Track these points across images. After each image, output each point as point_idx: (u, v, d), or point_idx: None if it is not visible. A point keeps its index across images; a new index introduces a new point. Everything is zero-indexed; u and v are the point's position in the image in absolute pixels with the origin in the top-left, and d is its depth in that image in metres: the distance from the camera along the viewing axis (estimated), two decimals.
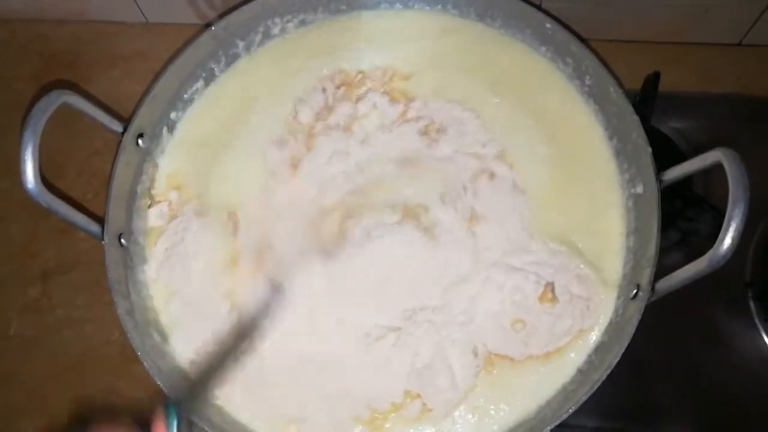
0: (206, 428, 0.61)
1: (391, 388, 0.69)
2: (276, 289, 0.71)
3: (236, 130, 0.80)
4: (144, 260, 0.75)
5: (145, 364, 0.65)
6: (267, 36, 0.84)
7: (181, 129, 0.81)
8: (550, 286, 0.71)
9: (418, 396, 0.69)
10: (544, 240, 0.73)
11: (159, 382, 0.65)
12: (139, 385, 0.80)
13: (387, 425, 0.68)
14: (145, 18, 1.00)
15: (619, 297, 0.70)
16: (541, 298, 0.70)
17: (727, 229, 0.56)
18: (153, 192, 0.78)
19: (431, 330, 0.70)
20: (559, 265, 0.71)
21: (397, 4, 0.85)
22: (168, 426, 0.50)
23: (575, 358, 0.69)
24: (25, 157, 0.62)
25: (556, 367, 0.69)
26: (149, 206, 0.77)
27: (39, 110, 0.64)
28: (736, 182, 0.58)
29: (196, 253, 0.75)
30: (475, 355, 0.69)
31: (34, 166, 0.63)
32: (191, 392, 0.58)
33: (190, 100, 0.82)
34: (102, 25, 1.01)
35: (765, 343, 0.77)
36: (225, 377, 0.62)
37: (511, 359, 0.69)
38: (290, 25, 0.84)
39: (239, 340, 0.66)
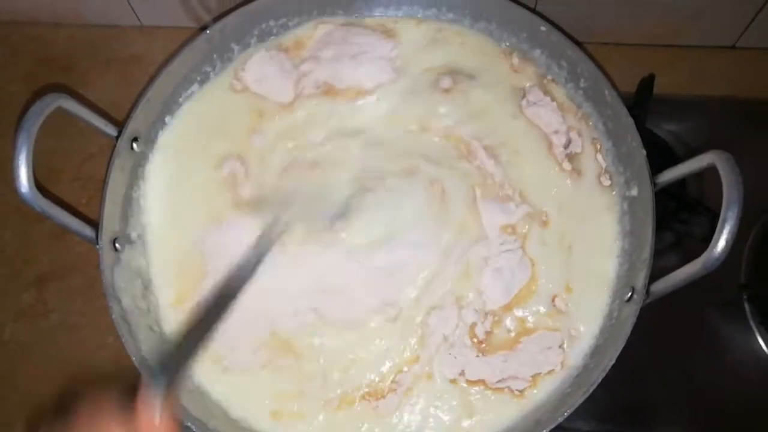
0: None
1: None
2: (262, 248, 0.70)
3: None
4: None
5: (140, 368, 0.65)
6: (262, 39, 0.84)
7: None
8: None
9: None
10: None
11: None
12: (133, 388, 0.80)
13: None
14: (140, 21, 1.00)
15: (613, 300, 0.70)
16: None
17: (721, 232, 0.57)
18: None
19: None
20: None
21: (392, 9, 0.85)
22: (154, 394, 0.49)
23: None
24: (19, 162, 0.62)
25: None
26: None
27: (33, 114, 0.63)
28: (729, 184, 0.58)
29: None
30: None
31: (27, 171, 0.62)
32: (175, 359, 0.57)
33: None
34: (97, 28, 1.01)
35: (759, 345, 0.78)
36: (206, 344, 0.60)
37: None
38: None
39: (221, 307, 0.64)
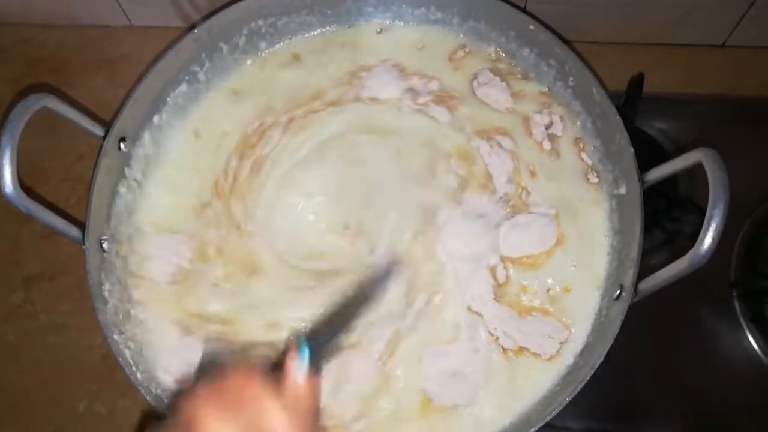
0: None
1: None
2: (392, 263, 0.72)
3: None
4: None
5: (126, 370, 0.65)
6: (250, 39, 0.84)
7: None
8: None
9: None
10: None
11: (141, 389, 0.65)
12: (122, 391, 0.80)
13: None
14: (130, 21, 1.00)
15: (603, 297, 0.70)
16: None
17: (707, 229, 0.57)
18: None
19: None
20: None
21: (382, 5, 0.85)
22: (301, 357, 0.51)
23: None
24: (3, 162, 0.61)
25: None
26: None
27: (17, 114, 0.63)
28: (716, 182, 0.58)
29: None
30: None
31: (12, 171, 0.62)
32: (324, 334, 0.60)
33: None
34: (86, 28, 1.01)
35: (750, 342, 0.77)
36: (352, 325, 0.64)
37: None
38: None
39: (360, 305, 0.66)
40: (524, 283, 0.72)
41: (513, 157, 0.78)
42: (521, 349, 0.70)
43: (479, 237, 0.74)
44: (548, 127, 0.79)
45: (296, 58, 0.86)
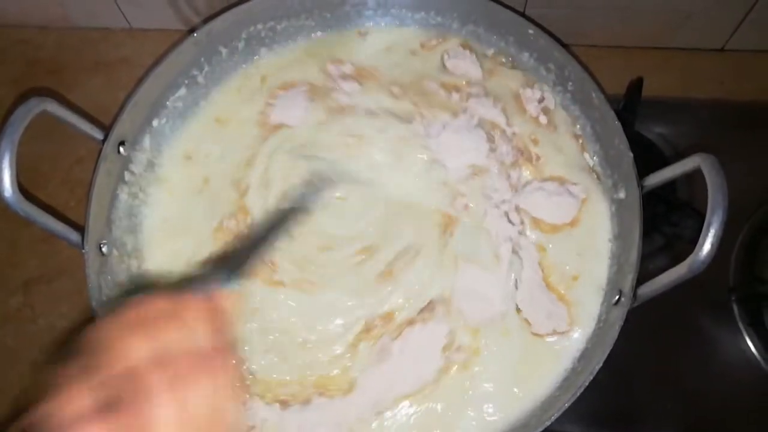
0: None
1: None
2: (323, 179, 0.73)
3: None
4: None
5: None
6: (249, 43, 0.84)
7: None
8: None
9: None
10: None
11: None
12: None
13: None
14: (129, 24, 1.00)
15: (602, 303, 0.70)
16: None
17: (706, 235, 0.57)
18: None
19: None
20: None
21: (381, 9, 0.85)
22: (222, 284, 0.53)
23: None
24: (3, 166, 0.61)
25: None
26: None
27: (17, 118, 0.63)
28: (715, 188, 0.58)
29: None
30: None
31: (11, 175, 0.62)
32: (240, 259, 0.60)
33: None
34: (85, 31, 1.01)
35: (748, 346, 0.78)
36: (264, 255, 0.64)
37: None
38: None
39: (282, 222, 0.67)
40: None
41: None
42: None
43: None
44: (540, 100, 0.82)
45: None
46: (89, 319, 0.66)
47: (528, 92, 0.81)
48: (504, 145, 0.77)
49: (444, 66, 0.83)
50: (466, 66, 0.82)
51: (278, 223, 0.68)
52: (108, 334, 0.43)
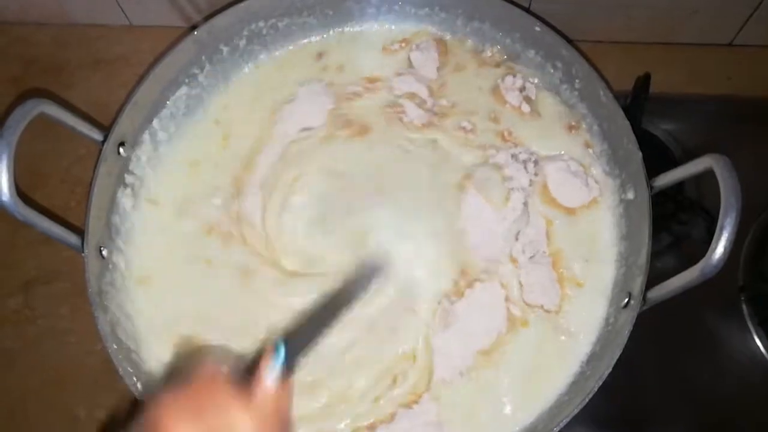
0: None
1: None
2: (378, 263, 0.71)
3: None
4: None
5: (127, 381, 0.64)
6: (251, 41, 0.82)
7: None
8: None
9: None
10: None
11: (137, 396, 0.64)
12: (123, 398, 0.79)
13: None
14: (129, 21, 0.98)
15: (610, 305, 0.69)
16: None
17: (719, 239, 0.56)
18: None
19: None
20: None
21: (384, 6, 0.84)
22: (275, 359, 0.50)
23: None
24: (0, 169, 0.60)
25: None
26: None
27: (14, 121, 0.62)
28: (727, 190, 0.57)
29: None
30: None
31: (9, 179, 0.61)
32: (298, 338, 0.57)
33: None
34: (84, 28, 0.99)
35: (758, 346, 0.77)
36: (319, 339, 0.61)
37: None
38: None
39: (338, 307, 0.64)
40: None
41: None
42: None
43: None
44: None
45: None
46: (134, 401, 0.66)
47: (508, 81, 0.80)
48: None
49: (408, 58, 0.83)
50: (424, 59, 0.83)
51: (336, 308, 0.64)
52: (162, 417, 0.45)
